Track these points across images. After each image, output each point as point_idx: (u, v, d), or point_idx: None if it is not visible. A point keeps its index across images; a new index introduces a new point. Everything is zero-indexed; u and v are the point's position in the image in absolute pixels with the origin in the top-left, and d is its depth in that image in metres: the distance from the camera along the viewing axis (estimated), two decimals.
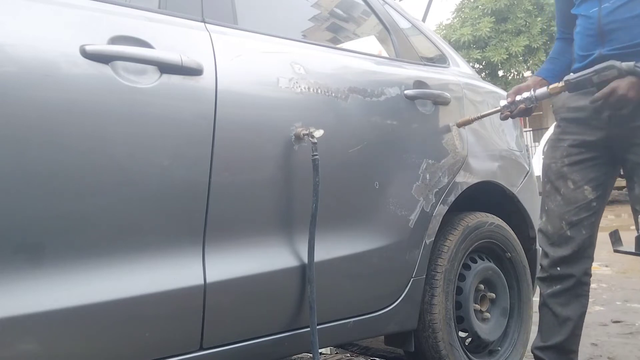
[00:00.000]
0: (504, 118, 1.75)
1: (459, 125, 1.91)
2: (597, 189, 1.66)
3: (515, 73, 13.75)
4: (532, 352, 1.78)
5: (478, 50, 13.27)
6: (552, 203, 1.69)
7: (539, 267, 1.78)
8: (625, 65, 1.40)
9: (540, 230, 1.75)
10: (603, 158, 1.61)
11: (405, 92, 1.80)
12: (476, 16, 13.57)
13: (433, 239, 1.84)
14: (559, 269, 1.68)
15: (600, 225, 1.75)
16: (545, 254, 1.72)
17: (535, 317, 2.17)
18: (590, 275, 1.73)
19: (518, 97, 1.67)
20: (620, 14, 1.49)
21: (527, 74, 13.33)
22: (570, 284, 1.68)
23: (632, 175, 1.59)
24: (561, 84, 1.55)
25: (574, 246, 1.66)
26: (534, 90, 1.64)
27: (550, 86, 1.59)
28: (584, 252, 1.69)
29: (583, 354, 2.37)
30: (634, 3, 1.49)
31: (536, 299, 2.30)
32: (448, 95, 1.94)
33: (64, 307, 1.09)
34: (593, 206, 1.67)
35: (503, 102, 1.71)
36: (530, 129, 15.79)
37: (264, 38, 1.52)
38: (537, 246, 2.08)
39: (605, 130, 1.59)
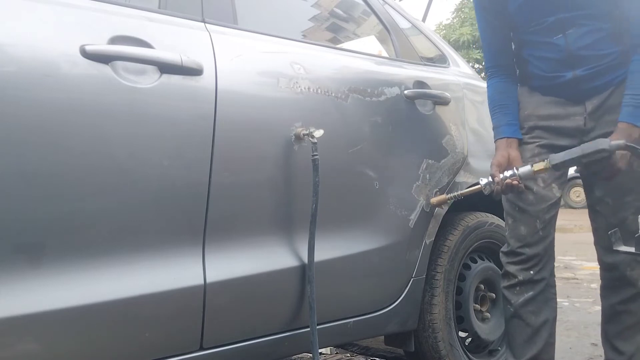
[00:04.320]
0: (493, 193, 1.63)
1: (434, 204, 1.80)
2: (561, 187, 1.68)
3: None
4: None
5: (478, 50, 13.27)
6: (524, 203, 1.64)
7: (504, 276, 1.67)
8: (614, 144, 1.44)
9: (510, 235, 1.66)
10: None
11: (405, 92, 1.80)
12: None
13: (433, 239, 1.84)
14: (532, 272, 1.62)
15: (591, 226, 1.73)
16: (516, 259, 1.64)
17: None
18: (554, 276, 1.71)
19: (504, 174, 1.57)
20: (587, 39, 1.56)
21: None
22: (541, 287, 1.63)
23: (590, 177, 1.64)
24: (546, 163, 1.53)
25: (545, 245, 1.63)
26: (517, 169, 1.57)
27: (535, 166, 1.54)
28: (551, 252, 1.67)
29: (583, 354, 2.38)
30: (595, 27, 1.55)
31: None
32: (448, 95, 1.94)
33: (64, 307, 1.09)
34: (557, 204, 1.68)
35: (484, 180, 1.62)
36: None
37: (264, 38, 1.52)
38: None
39: (576, 138, 1.62)
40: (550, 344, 1.66)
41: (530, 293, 1.63)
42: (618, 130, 1.50)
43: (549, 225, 1.64)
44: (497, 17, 1.69)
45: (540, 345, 1.63)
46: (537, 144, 1.66)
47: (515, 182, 1.56)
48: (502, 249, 1.70)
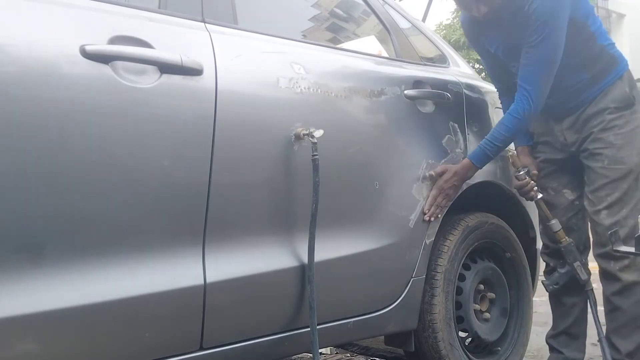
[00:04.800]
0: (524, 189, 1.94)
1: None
2: (576, 189, 1.92)
3: None
4: (547, 342, 2.03)
5: None
6: (542, 211, 1.94)
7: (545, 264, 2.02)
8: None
9: (541, 233, 2.03)
10: (572, 165, 1.90)
11: (405, 92, 1.80)
12: None
13: (433, 239, 1.84)
14: (561, 261, 1.92)
15: None
16: (546, 251, 1.99)
17: (536, 317, 2.16)
18: (587, 263, 1.94)
19: (532, 183, 1.91)
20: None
21: None
22: (570, 274, 1.90)
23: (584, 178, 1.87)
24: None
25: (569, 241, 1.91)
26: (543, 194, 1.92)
27: (554, 226, 1.90)
28: (579, 246, 1.93)
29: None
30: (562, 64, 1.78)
31: (536, 298, 2.30)
32: (448, 95, 1.94)
33: (64, 307, 1.09)
34: (576, 205, 1.93)
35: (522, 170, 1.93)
36: None
37: (264, 38, 1.52)
38: (538, 245, 2.15)
39: (563, 152, 1.92)
40: (581, 319, 1.97)
41: (561, 278, 1.92)
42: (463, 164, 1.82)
43: (570, 225, 1.91)
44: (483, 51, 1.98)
45: (570, 321, 1.96)
46: (540, 159, 1.98)
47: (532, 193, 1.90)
48: None
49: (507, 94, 1.97)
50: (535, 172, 1.94)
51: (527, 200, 1.97)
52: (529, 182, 1.90)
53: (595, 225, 1.79)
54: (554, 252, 1.95)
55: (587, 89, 1.81)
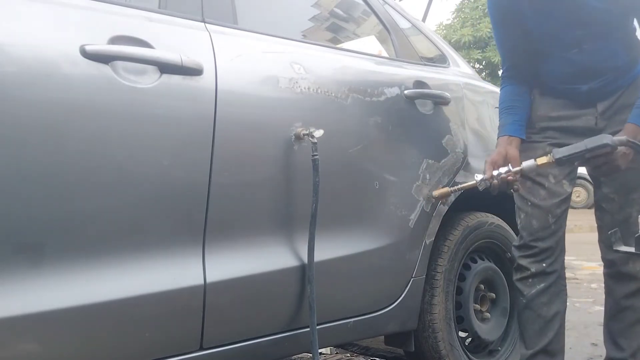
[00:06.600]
0: (490, 189, 1.63)
1: (436, 197, 1.78)
2: (571, 183, 1.74)
3: None
4: None
5: (478, 51, 13.25)
6: (536, 198, 1.69)
7: (517, 269, 1.72)
8: (617, 139, 1.46)
9: (522, 228, 1.71)
10: None
11: (405, 92, 1.80)
12: (476, 16, 13.55)
13: (433, 239, 1.84)
14: (544, 264, 1.68)
15: (594, 225, 1.77)
16: (529, 252, 1.69)
17: None
18: (565, 268, 1.77)
19: (499, 170, 1.57)
20: (603, 53, 1.61)
21: None
22: (553, 279, 1.69)
23: (598, 174, 1.66)
24: (550, 158, 1.53)
25: (556, 239, 1.70)
26: (511, 166, 1.58)
27: (539, 160, 1.55)
28: (562, 245, 1.73)
29: (583, 354, 2.38)
30: (611, 40, 1.60)
31: None
32: (448, 95, 1.94)
33: (63, 307, 1.09)
34: (567, 199, 1.74)
35: (479, 176, 1.62)
36: None
37: (264, 38, 1.52)
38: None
39: (587, 137, 1.63)
40: (561, 333, 1.72)
41: (543, 285, 1.68)
42: (625, 131, 1.54)
43: (560, 220, 1.71)
44: (513, 25, 1.69)
45: (551, 336, 1.69)
46: (549, 142, 1.70)
47: (510, 178, 1.58)
48: (514, 243, 1.75)
49: (512, 78, 1.76)
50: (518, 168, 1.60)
51: (509, 191, 1.64)
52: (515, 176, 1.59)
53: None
54: (543, 251, 1.68)
55: (625, 73, 1.65)
